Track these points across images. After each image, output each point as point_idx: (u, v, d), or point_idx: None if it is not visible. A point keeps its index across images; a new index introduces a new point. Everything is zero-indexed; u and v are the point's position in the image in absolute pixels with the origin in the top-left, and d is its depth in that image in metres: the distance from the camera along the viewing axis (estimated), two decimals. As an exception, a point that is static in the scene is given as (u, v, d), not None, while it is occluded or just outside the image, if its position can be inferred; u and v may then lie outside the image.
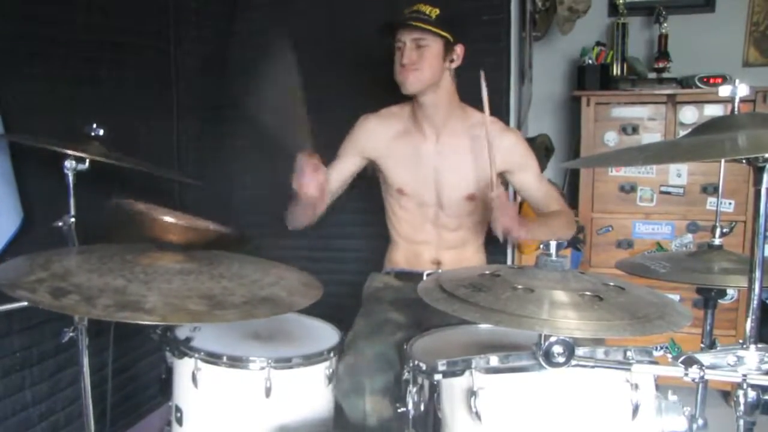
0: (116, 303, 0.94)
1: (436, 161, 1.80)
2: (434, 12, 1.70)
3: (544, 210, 1.86)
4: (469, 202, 1.82)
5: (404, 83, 1.73)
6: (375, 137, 1.86)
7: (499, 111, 2.28)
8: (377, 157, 1.86)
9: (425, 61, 1.71)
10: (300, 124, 1.63)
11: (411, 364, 1.19)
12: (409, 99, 1.82)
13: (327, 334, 1.55)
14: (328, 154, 2.54)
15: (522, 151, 1.83)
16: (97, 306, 0.93)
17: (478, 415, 0.99)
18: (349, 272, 2.21)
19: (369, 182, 2.00)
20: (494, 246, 1.97)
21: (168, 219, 1.15)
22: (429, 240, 1.85)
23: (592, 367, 0.98)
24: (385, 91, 2.03)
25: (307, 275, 1.29)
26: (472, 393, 1.00)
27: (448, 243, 1.85)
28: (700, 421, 1.02)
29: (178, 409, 1.44)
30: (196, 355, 1.38)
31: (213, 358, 1.38)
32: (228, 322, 0.99)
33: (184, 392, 1.43)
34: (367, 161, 1.90)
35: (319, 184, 1.63)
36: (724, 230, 1.53)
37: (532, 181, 1.84)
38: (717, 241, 1.52)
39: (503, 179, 1.86)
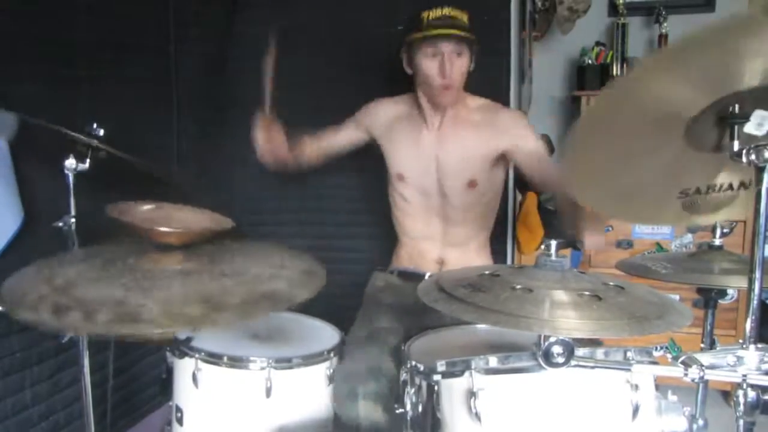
0: (116, 316, 0.94)
1: (437, 149, 1.79)
2: (464, 17, 1.66)
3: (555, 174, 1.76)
4: (471, 189, 1.79)
5: (442, 101, 1.73)
6: (377, 114, 1.91)
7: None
8: (378, 135, 1.89)
9: (460, 74, 1.69)
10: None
11: (409, 365, 1.19)
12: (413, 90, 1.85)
13: (327, 335, 1.55)
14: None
15: (522, 127, 1.78)
16: (98, 323, 0.93)
17: (477, 416, 0.99)
18: (350, 272, 2.21)
19: (369, 182, 2.01)
20: (494, 246, 1.98)
21: (163, 229, 1.14)
22: (434, 236, 1.84)
23: (592, 367, 0.98)
24: (385, 90, 2.03)
25: (309, 261, 1.28)
26: (471, 394, 1.00)
27: (454, 239, 1.83)
28: (700, 422, 1.02)
29: (178, 409, 1.44)
30: (197, 355, 1.38)
31: (213, 358, 1.38)
32: (226, 325, 0.99)
33: (184, 392, 1.43)
34: (366, 136, 1.94)
35: (271, 137, 1.83)
36: (725, 230, 1.53)
37: (536, 153, 1.76)
38: (717, 242, 1.52)
39: (507, 163, 1.86)
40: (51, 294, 1.00)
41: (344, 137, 1.96)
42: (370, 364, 1.45)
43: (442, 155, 1.79)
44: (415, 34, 1.67)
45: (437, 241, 1.85)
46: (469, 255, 1.86)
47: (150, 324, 0.93)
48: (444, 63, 1.65)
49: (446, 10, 1.65)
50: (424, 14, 1.65)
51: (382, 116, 1.89)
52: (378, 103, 1.93)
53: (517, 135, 1.76)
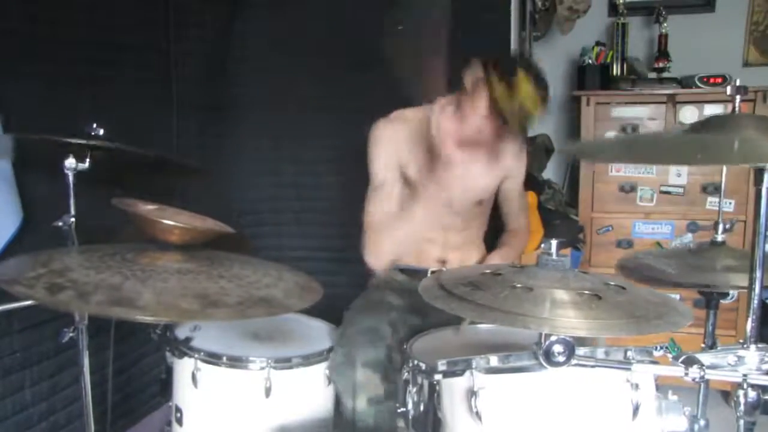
0: (109, 299, 0.95)
1: (453, 167, 1.79)
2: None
3: (512, 221, 1.94)
4: (478, 206, 1.86)
5: (450, 154, 1.68)
6: (400, 141, 1.80)
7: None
8: (403, 161, 1.80)
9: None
10: None
11: (411, 364, 1.19)
12: (422, 103, 1.82)
13: (327, 335, 1.55)
14: (334, 154, 2.56)
15: (523, 160, 1.90)
16: (91, 302, 0.94)
17: (478, 415, 0.99)
18: (349, 273, 2.21)
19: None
20: (494, 246, 1.98)
21: (168, 222, 1.15)
22: (435, 239, 1.85)
23: (593, 366, 0.98)
24: (385, 90, 2.03)
25: (307, 277, 1.29)
26: (472, 393, 1.00)
27: (454, 244, 1.86)
28: (701, 422, 1.02)
29: (178, 409, 1.44)
30: (196, 355, 1.38)
31: (213, 358, 1.38)
32: (219, 321, 0.99)
33: (184, 392, 1.43)
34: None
35: None
36: (726, 226, 1.52)
37: (517, 189, 1.92)
38: (720, 238, 1.51)
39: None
40: (47, 274, 1.01)
41: (398, 189, 1.81)
42: (368, 329, 1.45)
43: (457, 173, 1.78)
44: (506, 86, 1.56)
45: (438, 245, 1.86)
46: (469, 254, 1.89)
47: (143, 310, 0.94)
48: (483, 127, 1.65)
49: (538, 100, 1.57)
50: (521, 78, 1.56)
51: (401, 143, 1.79)
52: (388, 132, 1.80)
53: (515, 167, 1.87)
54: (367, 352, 1.42)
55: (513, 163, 1.86)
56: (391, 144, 1.80)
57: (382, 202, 1.76)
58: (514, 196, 1.93)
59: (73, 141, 1.42)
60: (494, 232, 1.99)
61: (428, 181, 1.79)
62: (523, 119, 1.58)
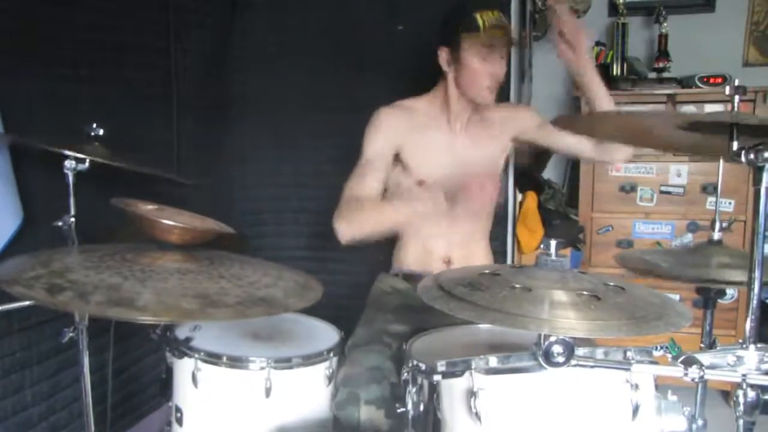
0: (109, 299, 0.95)
1: (461, 151, 1.80)
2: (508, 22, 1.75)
3: (586, 145, 1.84)
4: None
5: (485, 100, 1.75)
6: (400, 128, 1.80)
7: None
8: (400, 145, 1.79)
9: (503, 77, 1.76)
10: None
11: (410, 364, 1.19)
12: (426, 90, 1.85)
13: (327, 335, 1.55)
14: (334, 154, 2.55)
15: (523, 109, 2.03)
16: (90, 302, 0.94)
17: (478, 416, 0.99)
18: (351, 272, 2.21)
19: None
20: (494, 246, 1.98)
21: (168, 222, 1.15)
22: (441, 235, 1.82)
23: (592, 367, 0.98)
24: (385, 90, 2.03)
25: (307, 277, 1.29)
26: (472, 394, 1.00)
27: (461, 236, 1.82)
28: (700, 421, 1.02)
29: (178, 410, 1.44)
30: (196, 355, 1.38)
31: (213, 358, 1.38)
32: (219, 321, 0.99)
33: (184, 392, 1.43)
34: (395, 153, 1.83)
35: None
36: (723, 225, 1.53)
37: (548, 126, 1.86)
38: (716, 236, 1.52)
39: (507, 159, 1.96)
40: (47, 275, 1.01)
41: (387, 169, 1.80)
42: (372, 368, 1.44)
43: (465, 156, 1.78)
44: (470, 33, 1.69)
45: (444, 240, 1.82)
46: (475, 251, 1.85)
47: (143, 311, 0.94)
48: (497, 65, 1.73)
49: (497, 14, 1.70)
50: (477, 15, 1.68)
51: (403, 128, 1.79)
52: (390, 117, 1.80)
53: (520, 117, 1.91)
54: (371, 390, 1.41)
55: (514, 121, 1.89)
56: (390, 130, 1.79)
57: (365, 177, 1.75)
58: (544, 125, 1.87)
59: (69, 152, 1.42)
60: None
61: (435, 169, 1.77)
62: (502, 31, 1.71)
